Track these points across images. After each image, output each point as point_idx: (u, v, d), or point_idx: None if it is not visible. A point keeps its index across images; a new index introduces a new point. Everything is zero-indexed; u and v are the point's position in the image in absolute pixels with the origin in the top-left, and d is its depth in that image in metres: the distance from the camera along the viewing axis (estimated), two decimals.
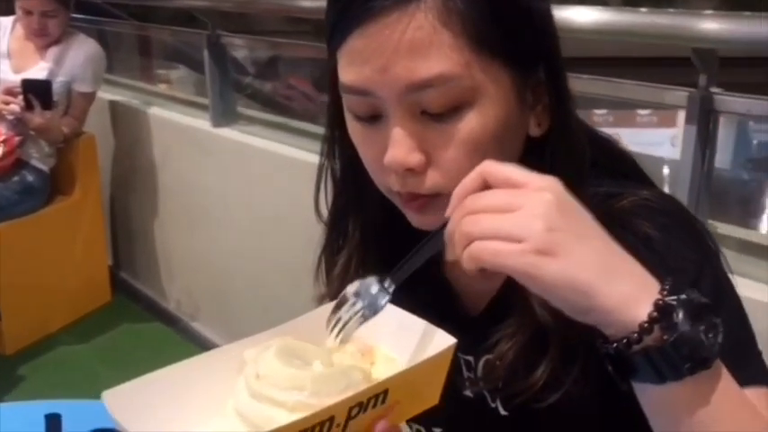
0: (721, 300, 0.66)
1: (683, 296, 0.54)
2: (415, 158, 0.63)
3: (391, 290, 0.63)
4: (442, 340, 0.59)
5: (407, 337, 0.62)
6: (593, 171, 0.71)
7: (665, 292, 0.54)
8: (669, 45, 1.53)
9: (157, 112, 3.05)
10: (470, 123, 0.63)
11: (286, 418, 0.53)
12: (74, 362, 2.81)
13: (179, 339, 2.95)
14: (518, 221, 0.53)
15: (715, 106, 1.36)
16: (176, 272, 3.11)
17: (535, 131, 0.68)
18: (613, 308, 0.54)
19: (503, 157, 0.65)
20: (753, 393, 0.63)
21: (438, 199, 0.65)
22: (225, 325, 2.84)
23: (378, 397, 0.55)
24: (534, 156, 0.68)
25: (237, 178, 2.63)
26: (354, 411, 0.54)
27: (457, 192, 0.57)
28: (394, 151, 0.63)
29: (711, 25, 1.27)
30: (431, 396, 0.62)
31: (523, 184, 0.55)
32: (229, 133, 2.68)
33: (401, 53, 0.61)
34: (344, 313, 0.63)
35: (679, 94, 1.41)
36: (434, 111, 0.63)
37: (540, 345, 0.68)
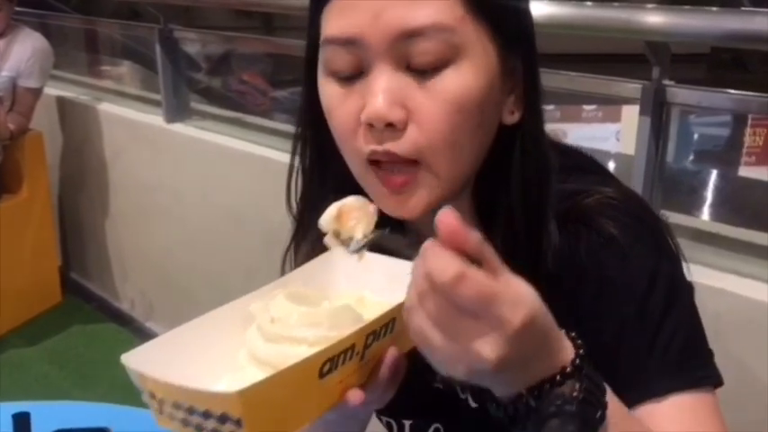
0: (674, 300, 0.68)
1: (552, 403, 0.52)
2: (397, 113, 0.62)
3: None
4: None
5: (390, 279, 0.63)
6: (557, 166, 0.71)
7: (538, 395, 0.52)
8: (618, 41, 1.57)
9: (107, 108, 2.99)
10: (455, 82, 0.62)
11: (308, 352, 0.54)
12: (24, 365, 2.74)
13: (133, 340, 2.90)
14: (443, 357, 0.49)
15: (668, 98, 1.39)
16: (129, 271, 3.06)
17: (508, 119, 0.68)
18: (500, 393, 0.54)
19: (480, 133, 0.66)
20: (700, 398, 0.67)
21: (418, 173, 0.65)
22: (180, 324, 2.79)
23: (387, 326, 0.58)
24: (504, 148, 0.68)
25: (191, 174, 2.60)
26: (370, 340, 0.56)
27: (428, 266, 0.48)
28: (376, 104, 0.62)
29: (665, 18, 1.30)
30: None
31: (478, 315, 0.48)
32: (183, 129, 2.64)
33: (398, 0, 0.61)
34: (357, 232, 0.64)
35: (633, 87, 1.44)
36: (422, 64, 0.62)
37: None
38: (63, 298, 3.17)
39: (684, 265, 0.73)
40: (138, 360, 0.55)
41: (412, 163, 0.64)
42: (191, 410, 0.51)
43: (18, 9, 2.90)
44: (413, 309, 0.50)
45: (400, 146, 0.63)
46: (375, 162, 0.65)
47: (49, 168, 3.08)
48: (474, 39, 0.63)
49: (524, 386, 0.53)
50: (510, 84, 0.67)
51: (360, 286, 0.67)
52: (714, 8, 1.33)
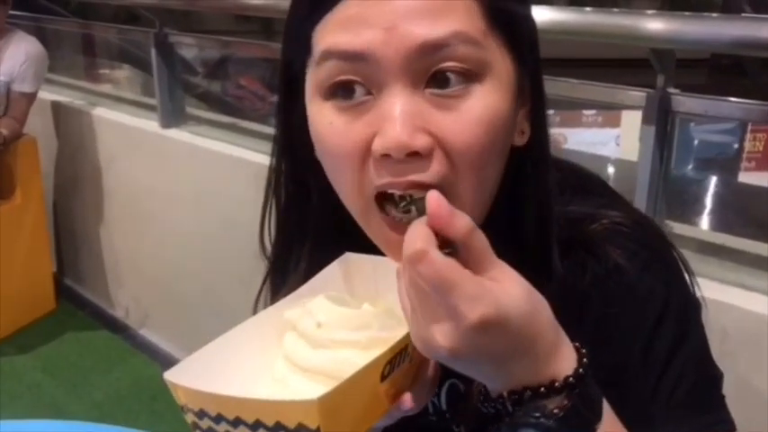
0: (685, 336, 0.64)
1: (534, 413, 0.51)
2: (422, 140, 0.54)
3: None
4: None
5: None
6: (560, 188, 0.67)
7: (517, 401, 0.51)
8: (623, 46, 1.54)
9: (102, 112, 2.95)
10: (483, 101, 0.55)
11: (362, 355, 0.52)
12: (16, 373, 2.70)
13: (127, 347, 2.87)
14: (413, 331, 0.50)
15: (673, 107, 1.36)
16: (124, 278, 3.02)
17: (518, 140, 0.62)
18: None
19: (503, 156, 0.60)
20: None
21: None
22: (175, 331, 2.76)
23: None
24: (513, 167, 0.63)
25: (186, 180, 2.57)
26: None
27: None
28: (394, 130, 0.53)
29: (669, 25, 1.27)
30: None
31: (436, 300, 0.48)
32: (178, 134, 2.61)
33: (414, 11, 0.54)
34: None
35: (637, 95, 1.41)
36: (444, 82, 0.55)
37: None
38: (57, 305, 3.14)
39: (696, 284, 0.70)
40: (181, 377, 0.51)
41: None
42: (256, 425, 0.48)
43: (13, 12, 2.87)
44: (399, 271, 0.51)
45: (426, 174, 0.55)
46: (381, 198, 0.57)
47: (43, 174, 3.05)
48: (497, 53, 0.57)
49: (505, 387, 0.51)
50: (520, 102, 0.62)
51: (378, 292, 0.64)
52: (715, 14, 1.30)
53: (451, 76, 0.55)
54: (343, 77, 0.56)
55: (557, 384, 0.50)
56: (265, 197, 0.70)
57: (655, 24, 1.28)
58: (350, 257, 0.65)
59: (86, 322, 3.07)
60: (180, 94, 2.70)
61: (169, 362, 0.56)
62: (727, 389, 0.71)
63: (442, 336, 0.47)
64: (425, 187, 0.54)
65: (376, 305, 0.61)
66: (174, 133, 2.61)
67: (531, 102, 0.63)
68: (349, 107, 0.56)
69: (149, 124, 2.70)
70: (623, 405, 0.62)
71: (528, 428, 0.50)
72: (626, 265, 0.63)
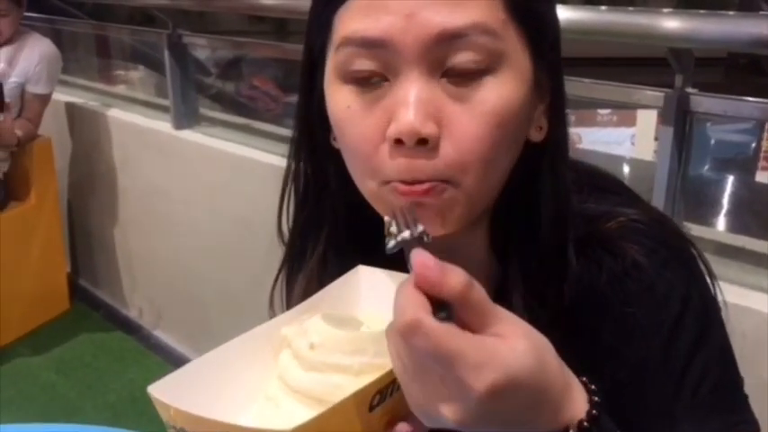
0: (705, 335, 0.63)
1: None
2: (430, 127, 0.54)
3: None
4: None
5: None
6: (576, 187, 0.66)
7: None
8: (641, 45, 1.51)
9: (116, 114, 2.96)
10: (496, 92, 0.55)
11: (353, 381, 0.50)
12: (31, 374, 2.71)
13: (141, 348, 2.87)
14: (412, 401, 0.47)
15: (691, 107, 1.34)
16: (137, 278, 3.03)
17: (535, 136, 0.62)
18: None
19: (513, 150, 0.60)
20: None
21: (445, 187, 0.57)
22: (188, 332, 2.77)
23: None
24: (527, 164, 0.62)
25: (200, 181, 2.57)
26: None
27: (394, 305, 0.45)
28: (408, 116, 0.54)
29: (688, 24, 1.25)
30: None
31: (444, 373, 0.44)
32: (191, 135, 2.61)
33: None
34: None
35: (655, 95, 1.39)
36: (460, 71, 0.55)
37: None
38: (71, 305, 3.15)
39: (717, 287, 0.68)
40: (165, 391, 0.50)
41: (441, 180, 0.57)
42: None
43: (27, 14, 2.88)
44: (387, 336, 0.47)
45: (429, 168, 0.56)
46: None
47: (58, 174, 3.06)
48: (515, 46, 0.56)
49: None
50: (540, 94, 0.61)
51: (388, 308, 0.62)
52: (733, 13, 1.28)
53: (467, 66, 0.55)
54: (361, 67, 0.56)
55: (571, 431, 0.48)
56: (284, 183, 0.70)
57: (673, 23, 1.26)
58: (361, 270, 0.63)
59: (100, 323, 3.08)
60: (193, 96, 2.70)
61: (183, 362, 0.55)
62: (748, 393, 0.69)
63: (448, 410, 0.44)
64: (427, 183, 0.55)
65: (380, 324, 0.58)
66: (187, 134, 2.62)
67: (551, 99, 0.62)
68: (366, 92, 0.57)
69: (162, 125, 2.70)
70: (645, 403, 0.61)
71: None
72: (644, 262, 0.62)
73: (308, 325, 0.55)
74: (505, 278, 0.65)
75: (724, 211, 1.98)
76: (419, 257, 0.45)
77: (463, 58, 0.54)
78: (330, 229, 0.69)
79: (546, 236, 0.62)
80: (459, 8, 0.54)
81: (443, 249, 0.70)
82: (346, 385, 0.50)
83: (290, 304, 0.74)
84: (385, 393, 0.50)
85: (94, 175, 3.09)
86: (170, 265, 2.81)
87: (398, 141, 0.55)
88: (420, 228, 0.52)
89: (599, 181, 0.72)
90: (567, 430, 0.48)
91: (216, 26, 4.51)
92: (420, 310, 0.43)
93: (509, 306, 0.62)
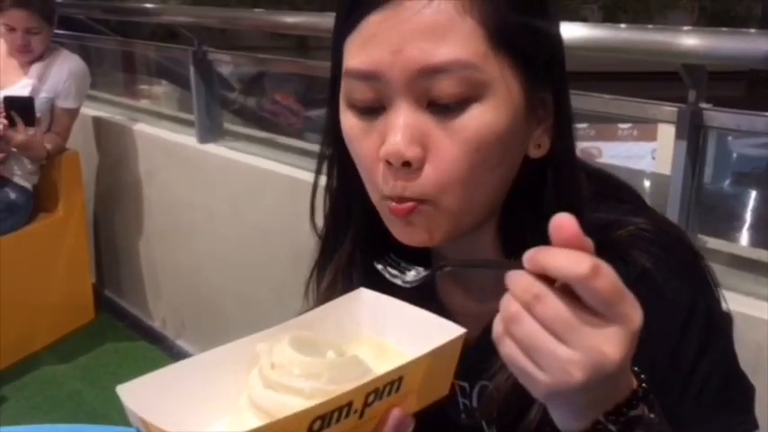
0: (710, 340, 0.66)
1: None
2: (414, 151, 0.60)
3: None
4: (451, 330, 0.58)
5: (416, 331, 0.61)
6: (588, 194, 0.69)
7: (611, 416, 0.52)
8: (656, 61, 1.54)
9: (142, 128, 3.03)
10: (476, 120, 0.60)
11: (303, 404, 0.52)
12: (57, 381, 2.76)
13: (164, 357, 2.92)
14: (557, 363, 0.48)
15: (704, 122, 1.36)
16: (161, 289, 3.08)
17: (534, 153, 0.66)
18: (562, 422, 0.54)
19: (500, 170, 0.64)
20: None
21: (426, 206, 0.63)
22: (211, 342, 2.75)
23: (393, 384, 0.55)
24: (532, 180, 0.67)
25: (224, 194, 2.62)
26: (371, 398, 0.53)
27: (552, 263, 0.48)
28: (395, 140, 0.60)
29: (701, 41, 1.28)
30: (442, 386, 0.61)
31: (603, 315, 0.47)
32: (215, 149, 2.66)
33: (418, 34, 0.59)
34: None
35: (669, 110, 1.42)
36: (443, 101, 0.60)
37: None
38: (96, 315, 3.20)
39: (721, 295, 0.71)
40: (135, 394, 0.53)
41: (421, 200, 0.63)
42: None
43: (57, 31, 2.97)
44: (502, 338, 0.50)
45: (413, 188, 0.62)
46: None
47: (85, 187, 3.13)
48: (497, 75, 0.61)
49: (601, 411, 0.52)
50: (539, 115, 0.65)
51: (384, 332, 0.65)
52: (752, 30, 1.30)
53: (449, 97, 0.60)
54: (361, 97, 0.63)
55: (639, 393, 0.53)
56: (315, 180, 0.76)
57: (685, 40, 1.29)
58: (362, 293, 0.66)
59: (125, 333, 3.13)
60: (217, 110, 2.76)
61: None
62: (762, 403, 0.71)
63: (612, 347, 0.47)
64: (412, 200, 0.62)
65: (366, 349, 0.62)
66: (212, 148, 2.67)
67: (555, 116, 0.66)
68: (366, 117, 0.64)
69: (187, 139, 2.76)
70: None
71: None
72: (652, 270, 0.65)
73: (277, 345, 0.57)
74: None
75: (741, 224, 1.99)
76: (564, 221, 0.49)
77: (445, 90, 0.60)
78: (356, 230, 0.75)
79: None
80: (440, 44, 0.59)
81: (452, 254, 0.75)
82: (294, 406, 0.51)
83: (318, 295, 0.78)
84: (329, 419, 0.51)
85: (120, 188, 3.16)
86: (193, 277, 2.86)
87: (388, 162, 0.62)
88: (410, 274, 0.61)
89: (610, 189, 0.75)
90: (636, 392, 0.52)
91: (238, 41, 4.59)
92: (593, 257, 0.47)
93: None
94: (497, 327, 0.51)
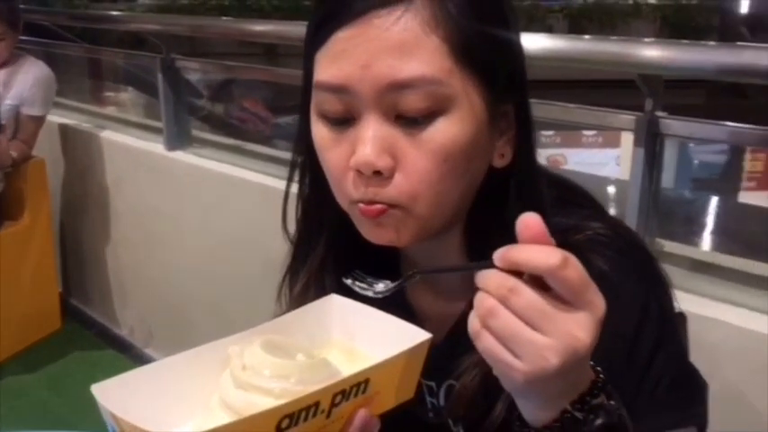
0: (662, 343, 0.69)
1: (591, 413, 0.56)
2: (384, 160, 0.63)
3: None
4: (418, 335, 0.61)
5: (384, 336, 0.63)
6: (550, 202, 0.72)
7: (577, 405, 0.56)
8: (615, 71, 1.59)
9: (109, 135, 3.01)
10: (444, 132, 0.63)
11: (272, 404, 0.54)
12: (23, 391, 2.73)
13: (132, 366, 2.82)
14: (535, 350, 0.51)
15: (661, 129, 1.41)
16: (129, 298, 3.06)
17: (498, 162, 0.70)
18: (531, 414, 0.58)
19: (466, 179, 0.67)
20: None
21: (396, 210, 0.66)
22: (179, 350, 2.78)
23: (359, 385, 0.57)
24: (495, 187, 0.70)
25: (192, 202, 2.62)
26: (338, 399, 0.56)
27: (524, 258, 0.51)
28: (365, 151, 0.63)
29: (657, 52, 1.32)
30: (407, 389, 0.63)
31: (573, 303, 0.51)
32: (184, 157, 2.66)
33: (386, 51, 0.61)
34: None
35: (627, 118, 1.46)
36: (410, 114, 0.63)
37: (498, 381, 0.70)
38: (63, 324, 3.17)
39: (674, 296, 0.74)
40: (109, 393, 0.55)
41: (393, 205, 0.66)
42: None
43: (22, 38, 2.94)
44: (479, 333, 0.53)
45: (385, 194, 0.65)
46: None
47: (51, 195, 3.10)
48: (462, 90, 0.64)
49: (568, 401, 0.55)
50: (501, 127, 0.69)
51: (353, 337, 0.67)
52: (711, 42, 1.35)
53: (415, 111, 0.63)
54: (331, 108, 0.66)
55: (599, 384, 0.57)
56: (287, 187, 0.79)
57: (643, 51, 1.34)
58: (333, 299, 0.68)
59: (92, 341, 3.10)
60: (185, 118, 2.76)
61: None
62: (718, 401, 0.75)
63: (583, 332, 0.51)
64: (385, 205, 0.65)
65: (336, 354, 0.64)
66: (180, 155, 2.67)
67: (516, 127, 0.69)
68: (336, 127, 0.66)
69: (155, 146, 2.75)
70: None
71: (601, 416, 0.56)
72: (609, 273, 0.68)
73: (248, 347, 0.60)
74: None
75: (698, 227, 2.04)
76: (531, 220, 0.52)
77: (412, 104, 0.63)
78: (328, 235, 0.77)
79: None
80: (407, 60, 0.62)
81: (421, 261, 0.78)
82: (264, 405, 0.53)
83: (291, 300, 0.81)
84: (297, 418, 0.53)
85: (87, 196, 3.13)
86: (161, 285, 2.85)
87: (359, 172, 0.64)
88: (380, 286, 0.63)
89: (570, 195, 0.79)
90: (596, 382, 0.56)
91: (207, 49, 4.58)
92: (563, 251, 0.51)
93: None
94: (473, 323, 0.53)
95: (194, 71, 3.04)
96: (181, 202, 2.66)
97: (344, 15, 0.63)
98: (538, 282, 0.51)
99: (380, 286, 0.64)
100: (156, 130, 2.82)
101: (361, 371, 0.56)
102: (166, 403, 0.58)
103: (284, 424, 0.53)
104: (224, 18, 2.96)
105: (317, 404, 0.54)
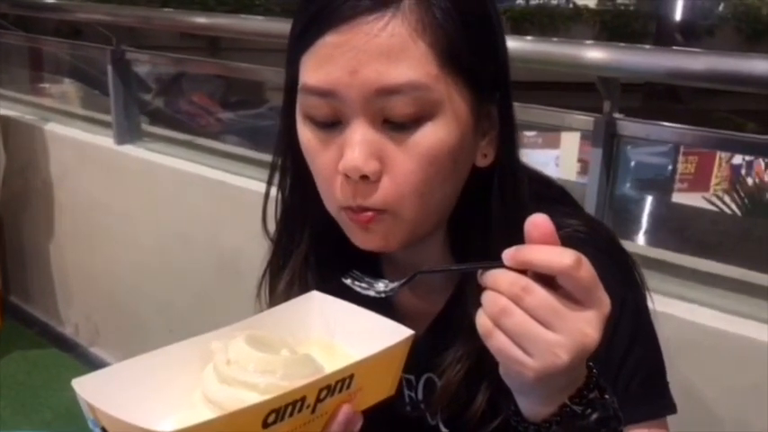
0: (638, 335, 0.73)
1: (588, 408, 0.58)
2: (372, 165, 0.64)
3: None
4: (400, 332, 0.62)
5: (365, 332, 0.64)
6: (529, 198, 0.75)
7: (575, 399, 0.58)
8: (574, 73, 1.63)
9: (54, 128, 2.92)
10: (430, 136, 0.64)
11: (258, 399, 0.54)
12: None
13: (77, 365, 2.82)
14: (546, 348, 0.52)
15: (618, 131, 1.46)
16: (74, 295, 2.98)
17: (481, 162, 0.71)
18: (531, 409, 0.60)
19: (452, 181, 0.68)
20: (655, 427, 0.72)
21: (385, 216, 0.67)
22: (127, 349, 2.73)
23: (344, 381, 0.57)
24: (478, 186, 0.71)
25: (142, 196, 2.57)
26: (323, 394, 0.56)
27: (539, 258, 0.53)
28: (353, 155, 0.64)
29: (617, 56, 1.37)
30: (389, 386, 0.65)
31: (582, 301, 0.53)
32: (133, 151, 2.60)
33: (374, 57, 0.62)
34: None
35: (585, 119, 1.51)
36: (397, 119, 0.64)
37: (480, 371, 0.72)
38: (2, 322, 3.06)
39: (648, 292, 0.78)
40: (89, 387, 0.55)
41: (381, 210, 0.67)
42: None
43: None
44: (491, 332, 0.54)
45: (372, 199, 0.66)
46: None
47: None
48: (448, 95, 0.65)
49: (567, 395, 0.57)
50: (484, 127, 0.70)
51: (334, 334, 0.68)
52: (650, 47, 1.41)
53: (403, 117, 0.64)
54: (318, 112, 0.66)
55: (594, 379, 0.58)
56: (267, 188, 0.79)
57: (603, 54, 1.38)
58: (314, 296, 0.69)
59: (34, 340, 3.00)
60: (135, 111, 2.70)
61: None
62: (670, 388, 0.78)
63: (591, 328, 0.53)
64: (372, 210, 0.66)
65: (318, 350, 0.65)
66: (130, 149, 2.61)
67: (500, 127, 0.71)
68: (323, 131, 0.67)
69: (104, 140, 2.69)
70: None
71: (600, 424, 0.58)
72: None
73: (230, 342, 0.60)
74: (463, 287, 0.74)
75: (647, 226, 2.12)
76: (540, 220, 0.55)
77: (399, 110, 0.63)
78: (311, 233, 0.78)
79: (499, 243, 0.71)
80: (394, 67, 0.62)
81: (404, 258, 0.79)
82: (249, 400, 0.54)
83: (272, 299, 0.81)
84: (283, 412, 0.54)
85: (29, 190, 3.03)
86: (109, 281, 2.78)
87: (346, 175, 0.65)
88: (380, 285, 0.64)
89: (547, 191, 0.81)
90: (591, 378, 0.58)
91: (148, 40, 4.48)
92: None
93: (464, 312, 0.71)
94: (484, 323, 0.55)
95: (143, 64, 2.98)
96: (130, 197, 2.61)
97: (332, 20, 0.63)
98: (543, 280, 0.53)
99: (381, 286, 0.65)
100: (104, 124, 2.75)
101: (345, 366, 0.57)
102: (147, 398, 0.58)
103: (270, 419, 0.53)
104: (166, 9, 2.87)
105: (303, 399, 0.55)
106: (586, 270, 0.53)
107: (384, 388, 0.64)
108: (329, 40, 0.63)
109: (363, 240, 0.69)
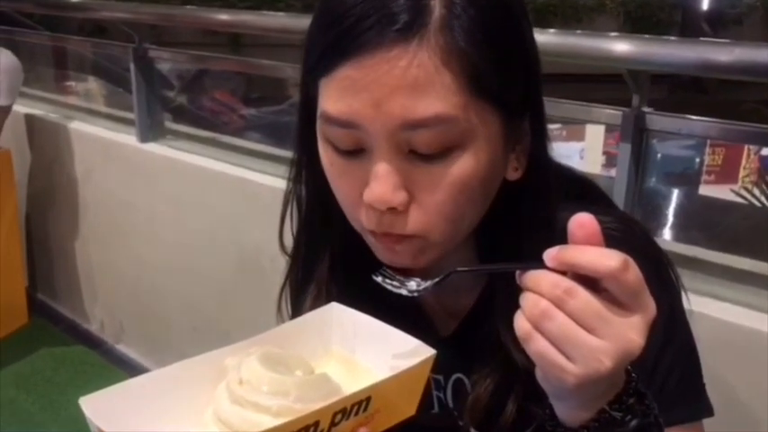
0: (673, 335, 0.70)
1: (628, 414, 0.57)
2: (400, 197, 0.61)
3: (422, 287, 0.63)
4: (421, 351, 0.60)
5: (386, 349, 0.62)
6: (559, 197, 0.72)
7: (614, 405, 0.56)
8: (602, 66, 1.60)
9: (78, 126, 2.94)
10: (460, 166, 0.61)
11: (270, 422, 0.52)
12: None
13: (102, 362, 2.85)
14: (589, 353, 0.50)
15: (647, 125, 1.42)
16: (99, 292, 3.01)
17: (512, 176, 0.68)
18: (568, 414, 0.58)
19: (483, 200, 0.66)
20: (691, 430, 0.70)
21: (414, 239, 0.64)
22: (151, 346, 2.76)
23: (361, 404, 0.56)
24: (509, 190, 0.69)
25: (165, 194, 2.57)
26: (338, 417, 0.54)
27: (584, 260, 0.51)
28: (379, 188, 0.61)
29: (647, 48, 1.33)
30: (409, 407, 0.62)
31: (628, 305, 0.51)
32: (157, 148, 2.62)
33: (399, 90, 0.58)
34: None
35: (614, 113, 1.47)
36: (424, 151, 0.61)
37: (510, 381, 0.70)
38: (30, 320, 3.10)
39: (684, 291, 0.75)
40: (97, 407, 0.53)
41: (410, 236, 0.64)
42: None
43: None
44: (531, 335, 0.52)
45: (399, 227, 0.63)
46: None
47: (17, 187, 3.02)
48: (477, 122, 0.61)
49: (606, 401, 0.56)
50: (514, 141, 0.67)
51: (354, 349, 0.66)
52: (676, 38, 1.37)
53: (430, 149, 0.61)
54: (339, 140, 0.63)
55: (632, 385, 0.57)
56: (284, 207, 0.76)
57: (631, 47, 1.35)
58: (334, 308, 0.67)
59: (60, 337, 3.04)
60: (158, 109, 2.71)
61: None
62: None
63: (635, 333, 0.51)
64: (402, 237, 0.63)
65: (334, 365, 0.63)
66: (153, 147, 2.62)
67: (531, 135, 0.68)
68: (345, 156, 0.64)
69: (127, 138, 2.70)
70: None
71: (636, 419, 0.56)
72: None
73: (245, 361, 0.58)
74: (493, 286, 0.72)
75: (672, 222, 2.08)
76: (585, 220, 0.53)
77: (426, 143, 0.60)
78: (333, 246, 0.76)
79: (528, 242, 0.69)
80: (419, 99, 0.59)
81: (435, 274, 0.77)
82: (262, 423, 0.52)
83: (297, 312, 0.79)
84: None
85: (55, 188, 3.06)
86: (133, 279, 2.80)
87: (371, 206, 0.62)
88: (412, 284, 0.61)
89: (579, 189, 0.78)
90: (630, 383, 0.57)
91: (170, 37, 4.50)
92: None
93: (493, 312, 0.69)
94: (523, 326, 0.52)
95: (165, 61, 2.98)
96: (154, 195, 2.62)
97: (355, 48, 0.59)
98: (586, 282, 0.51)
99: (413, 284, 0.62)
100: (128, 122, 2.77)
101: (362, 389, 0.55)
102: (158, 416, 0.57)
103: None
104: (188, 7, 2.87)
105: (316, 424, 0.53)
106: (634, 273, 0.50)
107: (404, 409, 0.62)
108: (351, 69, 0.60)
109: (390, 259, 0.67)
